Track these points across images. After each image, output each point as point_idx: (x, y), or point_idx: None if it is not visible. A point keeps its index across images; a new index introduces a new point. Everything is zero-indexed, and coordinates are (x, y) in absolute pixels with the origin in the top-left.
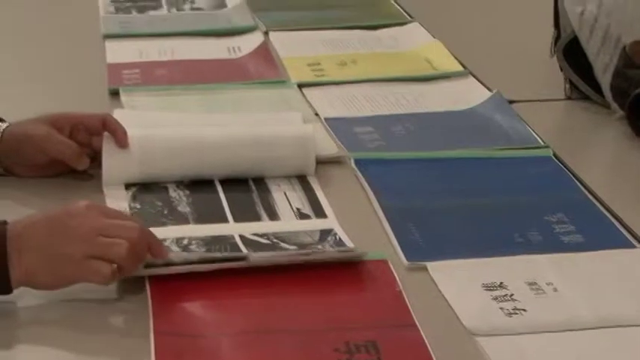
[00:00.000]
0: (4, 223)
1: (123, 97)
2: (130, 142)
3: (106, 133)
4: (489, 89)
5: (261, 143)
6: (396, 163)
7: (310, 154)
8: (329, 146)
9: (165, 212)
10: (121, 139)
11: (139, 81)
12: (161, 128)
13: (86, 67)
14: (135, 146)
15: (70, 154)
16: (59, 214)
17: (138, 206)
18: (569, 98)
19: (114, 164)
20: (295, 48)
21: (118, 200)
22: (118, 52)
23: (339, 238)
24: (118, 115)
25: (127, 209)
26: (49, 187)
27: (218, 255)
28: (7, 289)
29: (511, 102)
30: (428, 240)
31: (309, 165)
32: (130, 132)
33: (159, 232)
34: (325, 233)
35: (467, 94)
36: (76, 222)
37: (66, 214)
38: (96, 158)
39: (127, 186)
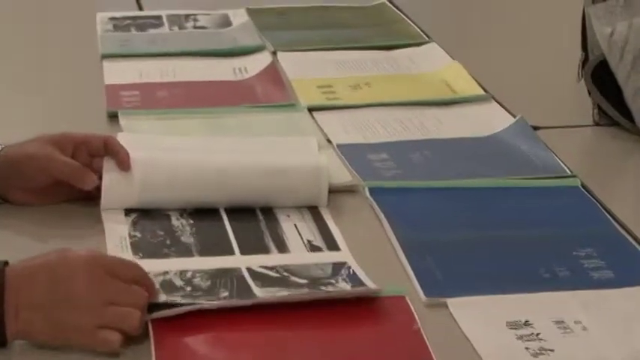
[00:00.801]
0: (5, 263)
1: (122, 121)
2: (132, 165)
3: (107, 156)
4: (512, 114)
5: (271, 172)
6: (413, 192)
7: (323, 185)
8: (342, 174)
9: (168, 243)
10: (122, 161)
11: (138, 104)
12: (165, 152)
13: (83, 89)
14: (137, 169)
15: (75, 174)
16: (60, 270)
17: (138, 235)
18: (597, 124)
19: (114, 187)
20: (305, 69)
21: (117, 226)
22: (117, 72)
23: (353, 273)
24: (121, 138)
25: (127, 237)
26: (44, 213)
27: (224, 295)
28: (2, 343)
29: (535, 128)
30: (448, 274)
31: (322, 196)
32: (132, 154)
33: (161, 264)
34: (338, 267)
35: (488, 120)
36: (80, 287)
37: (67, 270)
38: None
39: (127, 211)
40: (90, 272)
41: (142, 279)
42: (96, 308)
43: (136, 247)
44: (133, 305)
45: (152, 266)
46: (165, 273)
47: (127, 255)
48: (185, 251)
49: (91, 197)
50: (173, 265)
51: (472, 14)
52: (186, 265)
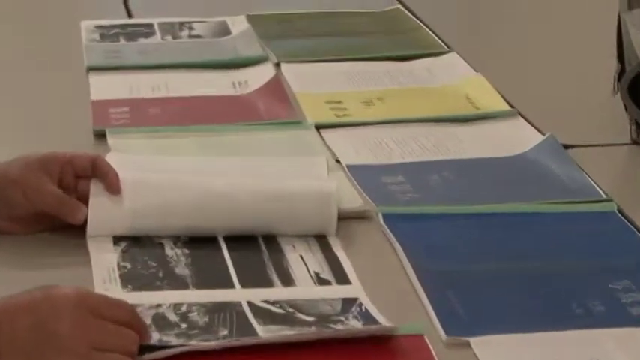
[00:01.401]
0: None
1: (110, 140)
2: (122, 189)
3: (94, 178)
4: (541, 132)
5: (275, 197)
6: (432, 219)
7: (332, 211)
8: (353, 199)
9: (161, 274)
10: (111, 183)
11: (128, 121)
12: (158, 174)
13: (67, 105)
14: (127, 193)
15: (64, 207)
16: (44, 311)
17: (128, 265)
18: (634, 143)
19: (102, 213)
20: (312, 82)
21: (105, 256)
22: (104, 86)
23: (366, 309)
24: (111, 158)
25: (115, 268)
26: (26, 242)
27: (223, 334)
28: None
29: (567, 147)
30: (470, 310)
31: (330, 223)
32: (122, 177)
33: (153, 296)
34: (349, 303)
35: (515, 138)
36: (65, 329)
37: (52, 311)
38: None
39: (116, 239)
40: (76, 314)
41: (132, 320)
42: (82, 354)
43: (126, 279)
44: (121, 350)
45: (143, 299)
46: (158, 306)
47: (116, 287)
48: (180, 283)
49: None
50: (167, 297)
51: (496, 21)
52: (181, 298)
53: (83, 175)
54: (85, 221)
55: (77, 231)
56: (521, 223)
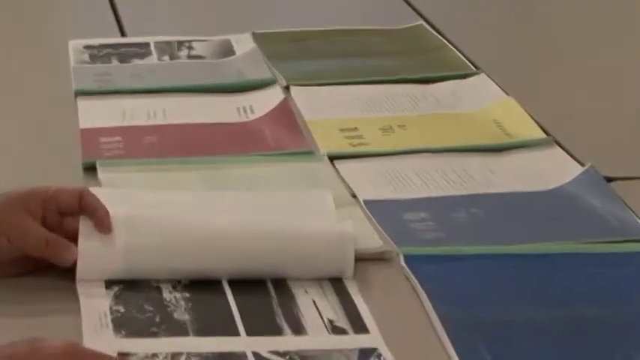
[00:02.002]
0: None
1: (101, 174)
2: (114, 227)
3: (82, 215)
4: (580, 163)
5: (285, 236)
6: (459, 260)
7: (348, 252)
8: (370, 239)
9: (157, 320)
10: (101, 221)
11: (121, 152)
12: (154, 211)
13: (52, 134)
14: (119, 232)
15: (50, 249)
16: None
17: (121, 309)
18: None
19: (91, 255)
20: (325, 108)
21: (96, 301)
22: (94, 113)
23: None
24: (99, 192)
25: (107, 312)
26: (8, 286)
27: None
28: None
29: (609, 180)
30: None
31: (347, 266)
32: (113, 213)
33: (148, 344)
34: (366, 354)
35: (551, 169)
36: None
37: None
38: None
39: (108, 283)
40: None
41: None
42: None
43: (119, 324)
44: None
45: (138, 347)
46: (154, 356)
47: (108, 333)
48: (179, 330)
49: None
50: (164, 346)
51: (529, 39)
52: (179, 346)
53: (69, 212)
54: (74, 262)
55: (65, 273)
56: (558, 264)
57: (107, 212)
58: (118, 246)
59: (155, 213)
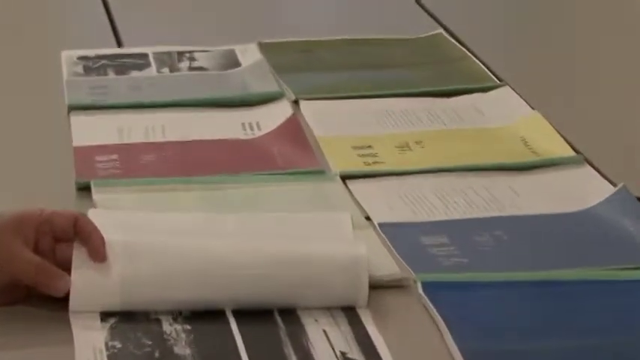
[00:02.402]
0: None
1: (96, 195)
2: (110, 254)
3: (76, 241)
4: (612, 182)
5: (293, 263)
6: (481, 287)
7: (362, 281)
8: (386, 265)
9: (157, 355)
10: (96, 248)
11: (117, 171)
12: (153, 236)
13: (43, 152)
14: (116, 260)
15: (42, 277)
16: None
17: (118, 344)
18: None
19: (86, 284)
20: (337, 124)
21: (91, 335)
22: (89, 130)
23: None
24: (95, 216)
25: (103, 349)
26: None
27: None
28: None
29: None
30: None
31: (360, 294)
32: (109, 239)
33: None
34: None
35: (580, 190)
36: None
37: None
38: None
39: (104, 315)
40: None
41: None
42: None
43: None
44: None
45: None
46: None
47: None
48: None
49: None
50: None
51: (557, 49)
52: None
53: (63, 237)
54: (68, 292)
55: (58, 303)
56: (588, 292)
57: (102, 239)
58: (114, 275)
59: (154, 239)
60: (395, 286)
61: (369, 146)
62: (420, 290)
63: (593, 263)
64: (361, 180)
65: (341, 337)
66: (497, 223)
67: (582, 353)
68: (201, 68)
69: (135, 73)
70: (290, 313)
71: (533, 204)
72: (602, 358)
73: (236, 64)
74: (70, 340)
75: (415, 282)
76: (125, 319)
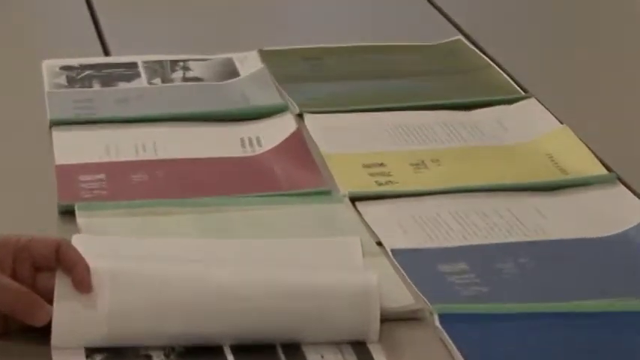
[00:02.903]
0: None
1: (80, 219)
2: (96, 284)
3: (59, 269)
4: None
5: (298, 294)
6: (504, 320)
7: (373, 313)
8: (399, 295)
9: None
10: (81, 278)
11: (104, 192)
12: (143, 264)
13: (23, 172)
14: (102, 290)
15: (21, 305)
16: None
17: None
18: None
19: (69, 318)
20: (345, 139)
21: None
22: (73, 147)
23: None
24: (78, 242)
25: None
26: None
27: None
28: None
29: None
30: None
31: (371, 327)
32: (95, 268)
33: None
34: None
35: (613, 212)
36: None
37: None
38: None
39: (90, 351)
40: None
41: None
42: None
43: None
44: None
45: None
46: None
47: None
48: None
49: (39, 327)
50: None
51: (587, 57)
52: None
53: (44, 266)
54: (49, 325)
55: (39, 337)
56: (621, 325)
57: (87, 267)
58: (100, 307)
59: (144, 267)
60: (409, 318)
61: (381, 164)
62: (437, 323)
63: (626, 293)
64: (372, 201)
65: None
66: (521, 248)
67: None
68: (196, 79)
69: (123, 85)
70: (294, 349)
71: (561, 228)
72: None
73: (234, 73)
74: None
75: (431, 314)
76: (113, 355)
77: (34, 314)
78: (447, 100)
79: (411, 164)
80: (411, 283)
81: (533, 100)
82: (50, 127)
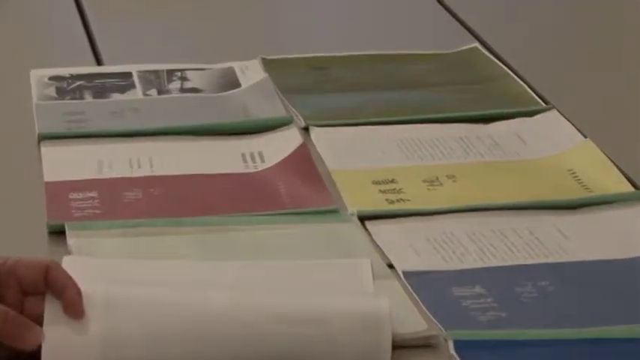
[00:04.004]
0: None
1: (71, 240)
2: (88, 309)
3: (48, 294)
4: None
5: (304, 320)
6: (523, 346)
7: (384, 341)
8: (412, 320)
9: None
10: (72, 302)
11: (97, 211)
12: (139, 288)
13: (10, 190)
14: (95, 316)
15: (10, 329)
16: None
17: None
18: None
19: (60, 344)
20: (354, 154)
21: None
22: (63, 163)
23: None
24: (68, 264)
25: None
26: None
27: None
28: None
29: None
30: None
31: (382, 356)
32: (87, 292)
33: None
34: None
35: None
36: None
37: None
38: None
39: None
40: None
41: None
42: None
43: None
44: None
45: None
46: None
47: None
48: None
49: (27, 355)
50: None
51: (613, 67)
52: None
53: (32, 290)
54: (38, 351)
55: None
56: None
57: (79, 291)
58: (92, 333)
59: (139, 291)
60: (422, 345)
61: (392, 181)
62: (452, 350)
63: None
64: (383, 221)
65: None
66: (541, 271)
67: None
68: (194, 90)
69: (117, 96)
70: None
71: (584, 248)
72: None
73: (235, 84)
74: None
75: (446, 340)
76: None
77: (23, 337)
78: (462, 113)
79: (425, 181)
80: (424, 307)
81: (554, 112)
82: (39, 141)
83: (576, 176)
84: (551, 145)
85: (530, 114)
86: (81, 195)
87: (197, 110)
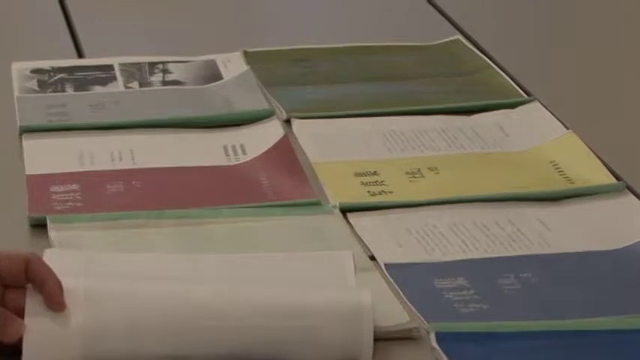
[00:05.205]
0: None
1: (52, 232)
2: (70, 302)
3: (29, 287)
4: None
5: (285, 313)
6: (505, 339)
7: (365, 331)
8: (394, 313)
9: None
10: (53, 295)
11: (78, 204)
12: (121, 282)
13: None
14: (77, 309)
15: None
16: None
17: None
18: None
19: (42, 338)
20: (336, 146)
21: None
22: (44, 156)
23: None
24: (50, 257)
25: None
26: None
27: None
28: None
29: None
30: None
31: (363, 348)
32: (68, 285)
33: None
34: None
35: (622, 223)
36: None
37: None
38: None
39: None
40: None
41: None
42: None
43: None
44: None
45: None
46: None
47: None
48: None
49: (8, 347)
50: None
51: (596, 58)
52: None
53: (12, 284)
54: (20, 345)
55: (8, 357)
56: (631, 344)
57: (60, 284)
58: (74, 327)
59: (121, 284)
60: (404, 337)
61: (374, 173)
62: (434, 342)
63: (635, 310)
64: (364, 213)
65: None
66: (523, 262)
67: None
68: (176, 82)
69: (98, 89)
70: None
71: (566, 240)
72: None
73: (217, 76)
74: None
75: (428, 332)
76: None
77: (4, 329)
78: (444, 105)
79: (407, 173)
80: (406, 300)
81: (536, 104)
82: (20, 134)
83: (558, 168)
84: (533, 136)
85: (513, 106)
86: (62, 188)
87: (179, 103)
